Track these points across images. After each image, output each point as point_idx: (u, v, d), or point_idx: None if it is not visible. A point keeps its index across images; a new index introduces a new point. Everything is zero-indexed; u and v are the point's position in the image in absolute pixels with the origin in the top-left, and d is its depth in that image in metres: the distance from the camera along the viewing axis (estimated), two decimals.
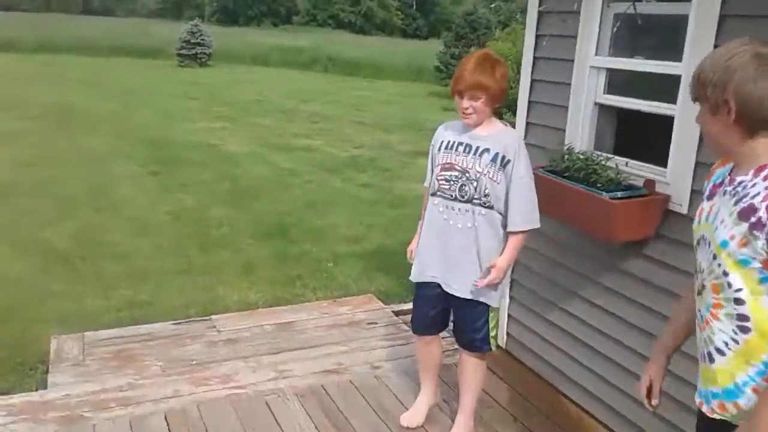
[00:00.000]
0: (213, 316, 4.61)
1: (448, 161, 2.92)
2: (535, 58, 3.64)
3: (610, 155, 3.15)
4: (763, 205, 1.55)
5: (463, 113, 2.87)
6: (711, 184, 1.81)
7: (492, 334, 3.07)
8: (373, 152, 11.53)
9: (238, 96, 18.54)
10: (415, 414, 3.36)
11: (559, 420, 3.46)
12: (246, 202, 7.88)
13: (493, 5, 32.02)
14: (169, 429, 3.25)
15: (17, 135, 11.15)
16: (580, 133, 3.32)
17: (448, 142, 2.97)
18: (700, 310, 1.76)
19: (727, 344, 1.66)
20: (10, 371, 3.99)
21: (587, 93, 3.28)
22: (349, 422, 3.37)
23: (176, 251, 6.17)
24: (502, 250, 2.95)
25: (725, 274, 1.64)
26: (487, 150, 2.86)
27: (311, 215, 7.47)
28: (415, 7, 56.99)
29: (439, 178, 2.94)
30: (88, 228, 6.66)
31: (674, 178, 2.82)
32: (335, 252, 6.25)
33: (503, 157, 2.84)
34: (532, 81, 3.68)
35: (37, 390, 3.67)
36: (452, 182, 2.89)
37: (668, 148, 2.87)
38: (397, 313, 4.65)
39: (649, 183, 2.92)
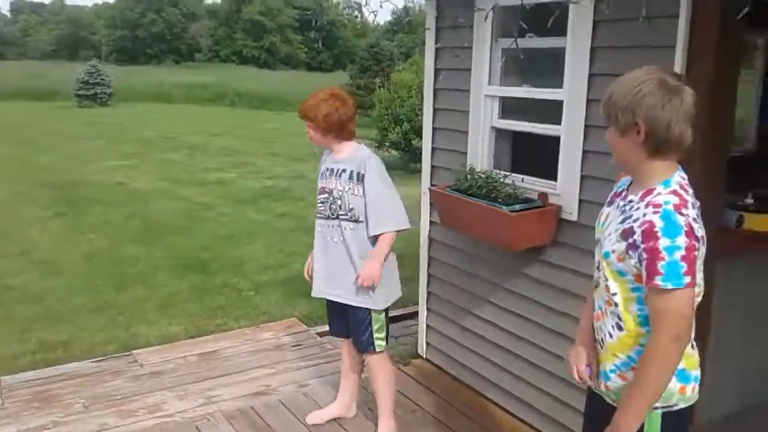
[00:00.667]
0: (134, 351, 4.60)
1: (322, 186, 3.31)
2: (435, 89, 3.98)
3: (507, 173, 3.48)
4: (639, 230, 1.76)
5: (310, 138, 3.30)
6: (613, 192, 2.03)
7: (379, 335, 3.32)
8: (287, 182, 11.68)
9: (144, 133, 18.25)
10: (320, 413, 3.65)
11: (481, 420, 3.70)
12: (160, 238, 7.83)
13: (395, 38, 33.03)
14: None
15: None
16: (480, 155, 3.65)
17: (322, 169, 3.37)
18: (596, 302, 2.02)
19: (605, 337, 1.96)
20: None
21: (483, 118, 3.62)
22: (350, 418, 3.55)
23: (91, 291, 6.07)
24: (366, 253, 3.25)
25: (606, 279, 1.91)
26: (344, 170, 3.22)
27: (229, 247, 7.52)
28: (320, 42, 57.75)
29: (317, 201, 3.33)
30: None
31: (564, 189, 3.17)
32: (256, 281, 6.34)
33: (358, 173, 3.18)
34: (435, 110, 4.01)
35: None
36: (325, 203, 3.26)
37: (557, 164, 3.23)
38: (321, 335, 4.80)
39: (543, 195, 3.26)
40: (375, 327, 3.30)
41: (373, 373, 3.42)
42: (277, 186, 11.40)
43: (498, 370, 3.70)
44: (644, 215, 1.76)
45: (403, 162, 13.33)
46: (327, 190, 3.25)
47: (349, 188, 3.18)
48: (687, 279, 1.71)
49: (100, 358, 4.49)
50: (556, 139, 3.22)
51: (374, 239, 3.20)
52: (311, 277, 3.42)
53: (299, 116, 3.24)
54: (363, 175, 3.17)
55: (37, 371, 4.30)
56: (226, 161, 14.02)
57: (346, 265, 3.23)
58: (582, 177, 3.09)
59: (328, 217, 3.25)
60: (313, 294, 3.42)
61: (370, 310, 3.27)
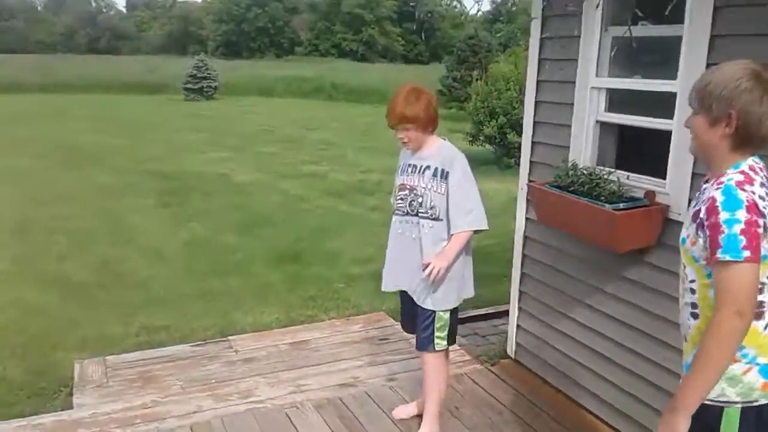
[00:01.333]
0: (230, 337, 4.74)
1: (402, 182, 3.25)
2: (538, 81, 3.82)
3: (612, 169, 3.29)
4: (704, 207, 1.80)
5: (402, 141, 3.21)
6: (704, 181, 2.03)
7: (440, 334, 3.26)
8: (380, 176, 11.72)
9: (245, 127, 18.88)
10: (407, 407, 3.63)
11: (567, 423, 3.57)
12: (257, 229, 8.04)
13: (493, 28, 32.45)
14: None
15: (29, 173, 11.40)
16: (583, 150, 3.47)
17: (402, 165, 3.30)
18: (680, 298, 2.03)
19: (686, 329, 1.97)
20: (34, 395, 4.11)
21: (589, 112, 3.44)
22: (366, 430, 3.48)
23: (191, 278, 6.31)
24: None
25: (684, 267, 1.94)
26: (428, 167, 3.17)
27: (322, 239, 7.62)
28: (422, 34, 57.76)
29: (397, 197, 3.27)
30: (104, 259, 6.82)
31: (673, 188, 2.96)
32: (347, 274, 6.39)
33: (443, 170, 3.13)
34: (536, 102, 3.86)
35: (62, 411, 3.79)
36: (405, 199, 3.21)
37: (667, 160, 3.01)
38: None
39: (650, 194, 3.06)
40: (437, 325, 3.25)
41: (427, 372, 3.36)
42: (369, 179, 11.48)
43: (591, 375, 3.52)
44: (711, 194, 1.80)
45: (497, 157, 13.08)
46: (408, 186, 3.20)
47: (433, 185, 3.14)
48: (746, 253, 1.71)
49: (199, 343, 4.65)
50: (666, 135, 3.01)
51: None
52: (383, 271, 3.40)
53: (397, 123, 3.14)
54: (447, 173, 3.12)
55: (140, 353, 4.50)
56: (322, 154, 14.26)
57: (420, 262, 3.17)
58: (693, 175, 2.87)
59: (407, 213, 3.21)
60: (384, 288, 3.40)
61: (435, 312, 3.24)
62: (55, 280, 6.18)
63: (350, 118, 22.13)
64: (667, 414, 1.82)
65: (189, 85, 27.06)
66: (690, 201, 2.85)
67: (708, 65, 2.77)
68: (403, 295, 3.38)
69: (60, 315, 5.36)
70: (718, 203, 1.77)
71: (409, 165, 3.24)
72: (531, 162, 3.94)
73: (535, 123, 3.91)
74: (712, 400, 1.84)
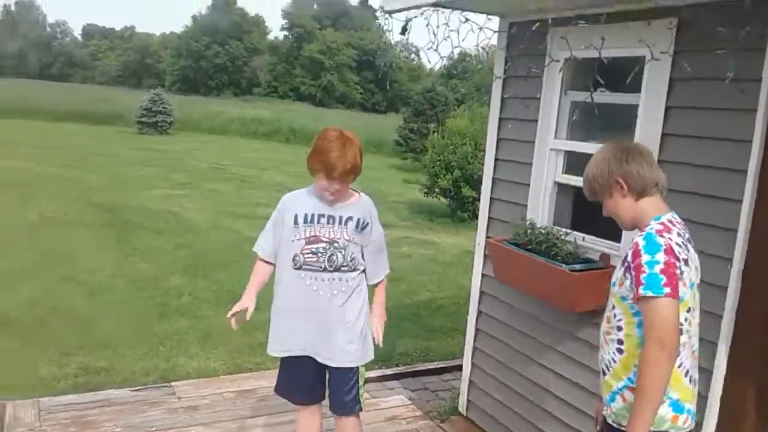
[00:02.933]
0: (173, 383, 4.57)
1: (313, 234, 2.94)
2: (498, 139, 3.90)
3: (568, 230, 3.35)
4: (630, 252, 2.05)
5: (330, 193, 2.93)
6: None
7: (362, 392, 3.12)
8: None
9: (198, 163, 18.64)
10: None
11: None
12: (207, 270, 7.86)
13: (449, 83, 33.20)
14: None
15: None
16: (540, 209, 3.53)
17: (306, 215, 2.97)
18: (600, 337, 2.24)
19: (610, 363, 2.16)
20: None
21: (547, 172, 3.52)
22: None
23: (135, 319, 6.09)
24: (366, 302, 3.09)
25: (613, 307, 2.15)
26: (350, 218, 2.98)
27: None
28: (377, 83, 58.60)
29: (304, 251, 2.93)
30: (42, 295, 6.52)
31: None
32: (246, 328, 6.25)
33: (364, 221, 3.01)
34: (496, 160, 3.92)
35: None
36: (320, 254, 2.92)
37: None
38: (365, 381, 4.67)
39: (605, 257, 3.12)
40: (361, 383, 3.09)
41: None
42: None
43: None
44: (634, 241, 2.06)
45: (451, 210, 13.24)
46: (326, 239, 2.93)
47: (354, 237, 2.97)
48: (666, 290, 1.94)
49: (139, 387, 4.48)
50: None
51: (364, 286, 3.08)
52: (275, 333, 3.11)
53: (344, 173, 2.87)
54: (367, 224, 3.02)
55: (76, 395, 4.30)
56: (277, 197, 14.12)
57: (339, 321, 2.96)
58: None
59: (326, 270, 2.92)
60: (281, 353, 3.08)
61: (357, 367, 3.05)
62: None
63: (306, 163, 22.12)
64: None
65: (144, 119, 26.68)
66: None
67: (664, 134, 2.89)
68: (301, 362, 3.04)
69: None
70: (640, 247, 2.02)
71: (320, 215, 2.96)
72: (489, 218, 3.99)
73: (494, 180, 3.97)
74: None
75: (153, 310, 6.33)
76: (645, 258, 1.98)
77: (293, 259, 2.96)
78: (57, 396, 4.27)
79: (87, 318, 5.98)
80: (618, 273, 2.13)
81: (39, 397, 4.19)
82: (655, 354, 1.92)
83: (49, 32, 78.83)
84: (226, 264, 8.22)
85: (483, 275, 4.01)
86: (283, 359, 3.14)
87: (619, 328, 2.11)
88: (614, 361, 2.13)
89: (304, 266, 2.94)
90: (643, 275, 1.96)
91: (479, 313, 4.04)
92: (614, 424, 2.15)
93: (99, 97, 35.15)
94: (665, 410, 2.03)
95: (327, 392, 3.16)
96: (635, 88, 3.02)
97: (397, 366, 5.17)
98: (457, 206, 13.02)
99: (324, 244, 2.93)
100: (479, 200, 4.17)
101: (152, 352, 5.33)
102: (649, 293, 1.94)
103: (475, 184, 11.75)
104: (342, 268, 2.96)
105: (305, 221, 2.96)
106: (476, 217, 4.56)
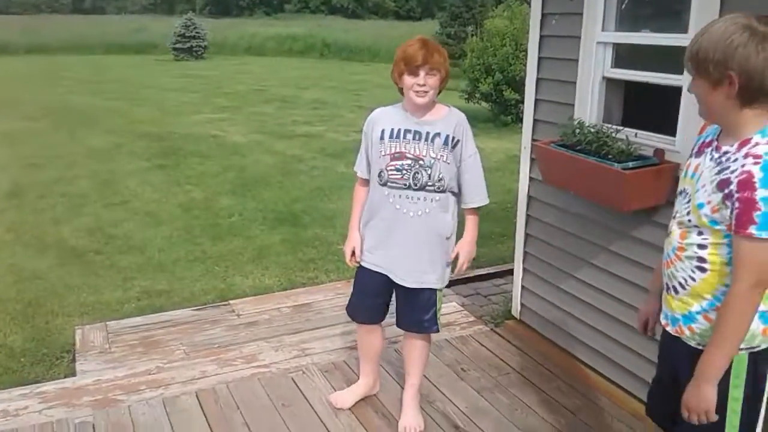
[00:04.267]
0: (231, 301, 4.71)
1: (398, 150, 2.85)
2: (541, 36, 3.72)
3: (619, 127, 3.22)
4: (736, 180, 1.78)
5: (417, 91, 2.79)
6: (700, 141, 2.05)
7: (439, 315, 3.07)
8: None
9: (237, 86, 18.60)
10: (346, 396, 3.36)
11: (576, 384, 3.57)
12: (254, 191, 7.96)
13: None
14: (201, 407, 3.36)
15: (19, 135, 11.22)
16: (589, 108, 3.40)
17: (392, 130, 2.88)
18: (666, 249, 2.08)
19: (686, 280, 1.99)
20: (36, 362, 4.08)
21: (595, 68, 3.36)
22: (375, 394, 3.47)
23: (189, 241, 6.26)
24: (453, 228, 2.98)
25: (695, 226, 1.93)
26: (438, 134, 2.84)
27: (320, 200, 7.56)
28: None
29: (389, 167, 2.87)
30: (100, 223, 6.74)
31: (683, 146, 2.89)
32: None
33: (453, 138, 2.85)
34: (540, 59, 3.76)
35: (65, 378, 3.78)
36: (405, 171, 2.84)
37: (676, 118, 2.95)
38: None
39: (659, 152, 3.00)
40: (438, 305, 3.04)
41: (418, 351, 3.15)
42: None
43: (598, 335, 3.52)
44: (743, 165, 1.78)
45: (493, 114, 12.95)
46: (412, 155, 2.82)
47: (443, 155, 2.82)
48: None
49: (200, 307, 4.63)
50: (676, 91, 2.94)
51: (456, 209, 2.95)
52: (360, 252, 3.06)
53: (423, 63, 2.73)
54: (458, 142, 2.85)
55: (141, 317, 4.47)
56: (316, 114, 14.08)
57: (423, 241, 2.90)
58: None
59: (410, 188, 2.84)
60: (374, 267, 3.02)
61: (435, 289, 3.00)
62: (50, 245, 6.12)
63: (343, 76, 21.84)
64: (693, 387, 1.92)
65: (178, 45, 26.55)
66: None
67: (721, 16, 2.69)
68: (372, 278, 3.03)
69: (57, 280, 5.31)
70: (755, 179, 1.74)
71: (406, 130, 2.85)
72: (534, 120, 3.87)
73: (538, 80, 3.82)
74: None
75: (205, 232, 6.48)
76: (761, 193, 1.73)
77: (379, 175, 2.91)
78: (123, 319, 4.46)
79: (144, 243, 6.17)
80: (711, 195, 1.86)
81: (106, 321, 4.38)
82: (750, 294, 1.79)
83: None
84: (270, 183, 8.31)
85: (530, 179, 3.93)
86: (357, 272, 3.14)
87: (702, 246, 1.92)
88: (692, 279, 1.97)
89: (388, 183, 2.89)
90: (756, 213, 1.73)
91: (528, 217, 3.99)
92: (699, 346, 1.98)
93: (133, 27, 34.96)
94: (755, 324, 1.88)
95: (397, 310, 3.13)
96: None
97: None
98: (499, 110, 12.72)
99: (409, 161, 2.84)
100: (523, 102, 4.04)
101: (209, 272, 5.49)
102: (764, 234, 1.74)
103: (518, 86, 11.41)
104: (428, 187, 2.85)
105: (391, 136, 2.87)
106: (520, 120, 4.45)
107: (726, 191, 1.81)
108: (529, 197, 3.96)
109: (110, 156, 9.87)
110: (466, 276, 5.03)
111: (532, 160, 3.86)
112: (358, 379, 3.46)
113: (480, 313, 4.40)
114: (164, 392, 3.49)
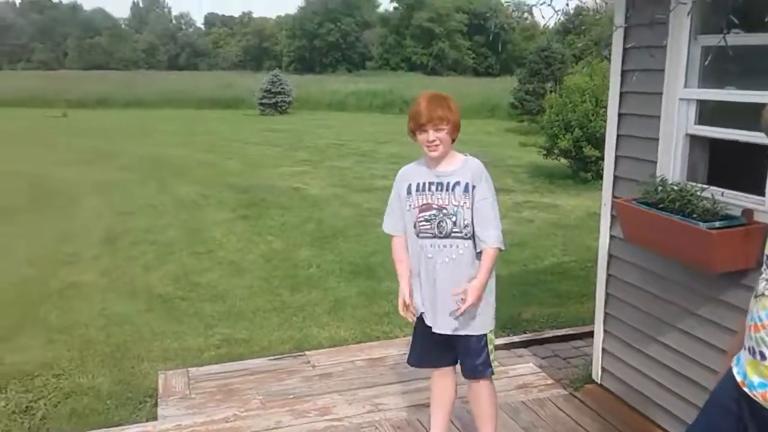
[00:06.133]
0: (307, 352, 4.78)
1: (425, 202, 3.00)
2: (621, 92, 3.69)
3: (704, 186, 3.13)
4: None
5: (429, 146, 2.94)
6: None
7: (492, 357, 3.11)
8: None
9: (318, 141, 19.16)
10: None
11: None
12: (332, 243, 8.12)
13: (566, 40, 31.83)
14: None
15: (114, 185, 11.94)
16: (672, 165, 3.32)
17: (418, 184, 3.03)
18: (754, 312, 2.00)
19: None
20: (121, 405, 4.25)
21: (678, 125, 3.30)
22: None
23: (268, 291, 6.42)
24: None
25: None
26: (458, 183, 2.96)
27: None
28: (490, 46, 57.22)
29: (419, 219, 3.01)
30: (186, 271, 7.02)
31: None
32: None
33: (472, 185, 2.96)
34: (620, 115, 3.72)
35: (147, 422, 3.90)
36: (431, 221, 2.98)
37: (765, 176, 2.84)
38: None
39: (748, 212, 2.89)
40: (490, 348, 3.09)
41: (485, 400, 3.18)
42: None
43: (683, 403, 3.34)
44: None
45: (573, 171, 12.77)
46: (437, 206, 2.97)
47: (465, 202, 2.95)
48: None
49: (277, 356, 4.71)
50: (763, 149, 2.84)
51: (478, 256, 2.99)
52: (413, 308, 3.12)
53: (429, 121, 2.90)
54: (474, 187, 2.96)
55: (220, 365, 4.60)
56: (394, 168, 14.25)
57: (448, 288, 2.96)
58: None
59: (436, 236, 2.97)
60: (437, 330, 3.07)
61: (485, 334, 3.07)
62: (139, 291, 6.41)
63: None
64: None
65: (264, 100, 27.76)
66: None
67: None
68: (426, 326, 3.11)
69: (144, 326, 5.55)
70: None
71: (429, 183, 3.00)
72: (615, 177, 3.81)
73: (618, 136, 3.77)
74: None
75: (285, 283, 6.63)
76: None
77: (414, 227, 3.05)
78: (203, 366, 4.59)
79: (225, 292, 6.38)
80: None
81: (188, 368, 4.52)
82: None
83: (174, 24, 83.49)
84: (348, 236, 8.46)
85: (611, 237, 3.84)
86: (415, 323, 3.21)
87: None
88: None
89: (420, 234, 3.03)
90: None
91: (609, 276, 3.89)
92: None
93: (223, 83, 36.95)
94: None
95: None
96: None
97: (525, 333, 5.11)
98: (578, 167, 12.53)
99: (434, 211, 2.98)
100: (603, 159, 3.99)
101: (286, 322, 5.61)
102: None
103: (598, 142, 11.24)
104: (453, 235, 2.96)
105: (417, 189, 3.04)
106: (600, 177, 4.38)
107: None
108: (610, 255, 3.87)
109: (197, 206, 10.32)
110: (544, 337, 4.93)
111: (612, 217, 3.78)
112: None
113: (558, 376, 4.28)
114: None
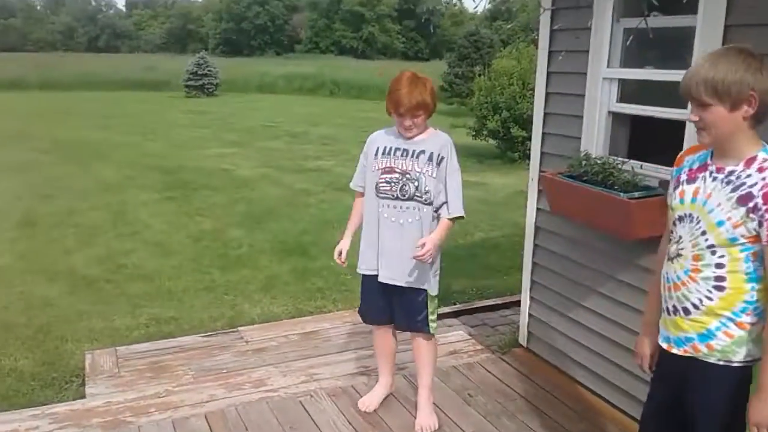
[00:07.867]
0: (239, 328, 4.76)
1: (389, 165, 3.21)
2: (548, 72, 3.83)
3: (625, 159, 3.30)
4: (761, 193, 1.89)
5: (406, 129, 3.17)
6: (687, 170, 2.15)
7: (432, 317, 3.33)
8: None
9: (248, 122, 18.86)
10: (371, 399, 3.62)
11: (583, 410, 3.60)
12: (263, 223, 8.05)
13: (494, 25, 32.41)
14: (210, 428, 3.39)
15: (31, 166, 11.41)
16: (595, 140, 3.49)
17: (385, 147, 3.25)
18: (671, 273, 2.13)
19: (701, 300, 2.05)
20: (46, 386, 4.12)
21: (601, 102, 3.46)
22: (382, 419, 3.50)
23: (198, 271, 6.32)
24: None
25: (711, 246, 2.00)
26: (423, 152, 3.17)
27: (328, 232, 7.61)
28: (419, 30, 57.63)
29: (380, 181, 3.22)
30: (110, 253, 6.82)
31: None
32: (354, 265, 6.38)
33: (439, 155, 3.16)
34: (547, 94, 3.87)
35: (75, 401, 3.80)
36: (393, 183, 3.19)
37: (680, 149, 3.02)
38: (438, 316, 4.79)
39: (665, 183, 3.07)
40: (431, 308, 3.31)
41: (423, 354, 3.43)
42: None
43: (605, 362, 3.55)
44: (763, 179, 1.89)
45: (501, 151, 13.13)
46: (399, 170, 3.19)
47: (428, 170, 3.16)
48: None
49: (209, 333, 4.67)
50: (680, 124, 3.03)
51: (436, 221, 3.21)
52: (360, 255, 3.37)
53: (408, 111, 3.09)
54: (443, 159, 3.17)
55: (150, 343, 4.52)
56: (325, 149, 14.27)
57: (407, 248, 3.16)
58: None
59: (396, 198, 3.20)
60: (362, 271, 3.37)
61: (427, 293, 3.28)
62: (61, 274, 6.19)
63: (351, 114, 22.13)
64: (760, 402, 1.93)
65: (190, 83, 27.03)
66: None
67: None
68: (374, 282, 3.33)
69: (68, 307, 5.37)
70: None
71: (396, 148, 3.22)
72: (542, 153, 3.96)
73: (545, 114, 3.93)
74: (741, 362, 2.03)
75: (215, 262, 6.55)
76: None
77: (374, 188, 3.26)
78: (132, 344, 4.50)
79: (153, 272, 6.23)
80: (730, 212, 1.95)
81: (116, 347, 4.42)
82: None
83: (94, 6, 79.96)
84: (280, 216, 8.42)
85: (538, 209, 4.00)
86: (362, 279, 3.43)
87: (719, 266, 2.00)
88: (709, 299, 2.03)
89: (380, 194, 3.24)
90: None
91: (535, 246, 4.06)
92: (720, 362, 2.04)
93: (146, 65, 35.66)
94: None
95: (394, 314, 3.41)
96: (692, 9, 2.92)
97: (455, 304, 5.25)
98: (506, 147, 12.90)
99: (397, 175, 3.19)
100: (530, 140, 4.14)
101: (217, 300, 5.55)
102: None
103: (525, 123, 11.58)
104: (415, 198, 3.17)
105: (383, 153, 3.25)
106: (527, 157, 4.54)
107: (750, 205, 1.91)
108: (537, 227, 4.03)
109: (122, 188, 10.01)
110: (473, 307, 5.09)
111: (539, 191, 3.94)
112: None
113: (487, 342, 4.44)
114: (173, 414, 3.53)
